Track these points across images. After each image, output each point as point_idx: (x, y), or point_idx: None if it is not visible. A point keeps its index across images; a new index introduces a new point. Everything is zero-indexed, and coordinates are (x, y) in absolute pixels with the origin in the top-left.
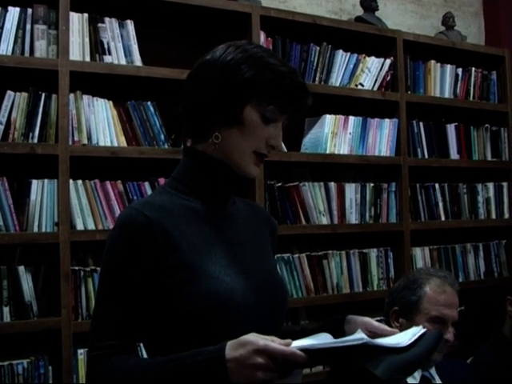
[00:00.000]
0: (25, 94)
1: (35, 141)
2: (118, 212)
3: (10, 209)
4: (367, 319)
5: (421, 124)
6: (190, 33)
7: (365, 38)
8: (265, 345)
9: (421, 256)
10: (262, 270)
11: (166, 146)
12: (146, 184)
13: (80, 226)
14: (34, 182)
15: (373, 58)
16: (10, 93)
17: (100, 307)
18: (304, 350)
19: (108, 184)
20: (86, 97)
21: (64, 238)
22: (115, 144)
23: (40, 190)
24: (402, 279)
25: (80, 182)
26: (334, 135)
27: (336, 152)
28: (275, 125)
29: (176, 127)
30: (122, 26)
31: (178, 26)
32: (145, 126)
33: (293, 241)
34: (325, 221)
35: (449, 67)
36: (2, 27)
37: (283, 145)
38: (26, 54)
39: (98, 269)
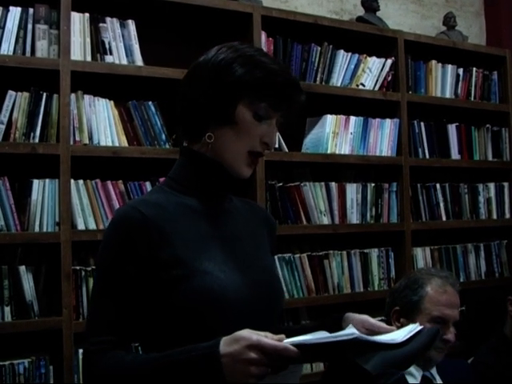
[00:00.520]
0: (26, 94)
1: (36, 141)
2: None
3: (11, 208)
4: (364, 317)
5: (422, 124)
6: (192, 33)
7: (366, 38)
8: (258, 340)
9: (422, 256)
10: (258, 268)
11: (167, 146)
12: (148, 184)
13: (81, 226)
14: (36, 182)
15: (374, 58)
16: (11, 93)
17: (95, 303)
18: (296, 345)
19: (109, 184)
20: (87, 96)
21: (65, 237)
22: (116, 144)
23: (41, 190)
24: (403, 279)
25: (81, 181)
26: (335, 135)
27: (337, 152)
28: (268, 122)
29: (177, 127)
30: (123, 25)
31: (179, 26)
32: (146, 126)
33: (294, 241)
34: (326, 221)
35: (450, 67)
36: (3, 27)
37: (284, 145)
38: (28, 53)
39: None
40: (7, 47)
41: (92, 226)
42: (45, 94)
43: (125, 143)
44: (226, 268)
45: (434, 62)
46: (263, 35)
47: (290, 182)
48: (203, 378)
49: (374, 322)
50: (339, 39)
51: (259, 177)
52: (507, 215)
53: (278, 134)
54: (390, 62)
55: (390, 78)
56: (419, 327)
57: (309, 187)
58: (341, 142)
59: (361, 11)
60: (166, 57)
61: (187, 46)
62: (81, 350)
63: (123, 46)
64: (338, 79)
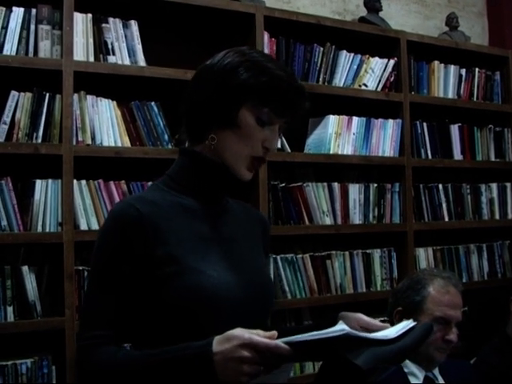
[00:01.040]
0: (29, 95)
1: (39, 141)
2: None
3: (14, 209)
4: (359, 315)
5: (424, 124)
6: (194, 33)
7: (368, 38)
8: (250, 338)
9: (424, 256)
10: (252, 268)
11: (170, 146)
12: (150, 184)
13: (84, 226)
14: (38, 182)
15: (376, 58)
16: (14, 93)
17: (90, 298)
18: (288, 343)
19: (112, 184)
20: (89, 97)
21: (68, 237)
22: (119, 144)
23: (44, 190)
24: (406, 279)
25: (84, 182)
26: (337, 136)
27: (339, 152)
28: (271, 128)
29: (180, 128)
30: (125, 26)
31: (182, 27)
32: (149, 126)
33: (296, 241)
34: (328, 221)
35: (452, 68)
36: (6, 27)
37: (287, 145)
38: (30, 54)
39: None
40: (10, 47)
41: (94, 226)
42: (47, 95)
43: (127, 143)
44: (219, 267)
45: (436, 62)
46: (266, 35)
47: (292, 182)
48: (196, 377)
49: (369, 319)
50: (342, 40)
51: (261, 177)
52: (510, 215)
53: (280, 134)
54: (392, 62)
55: (392, 79)
56: (412, 323)
57: (311, 187)
58: (343, 142)
59: (363, 12)
60: (168, 57)
61: (190, 47)
62: None
63: (126, 46)
64: (340, 80)
